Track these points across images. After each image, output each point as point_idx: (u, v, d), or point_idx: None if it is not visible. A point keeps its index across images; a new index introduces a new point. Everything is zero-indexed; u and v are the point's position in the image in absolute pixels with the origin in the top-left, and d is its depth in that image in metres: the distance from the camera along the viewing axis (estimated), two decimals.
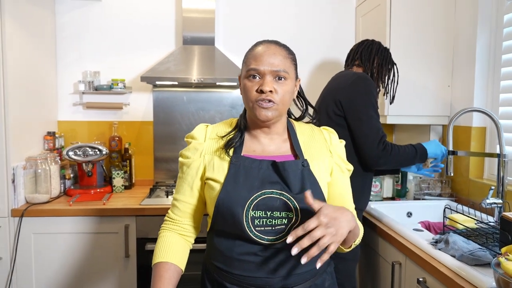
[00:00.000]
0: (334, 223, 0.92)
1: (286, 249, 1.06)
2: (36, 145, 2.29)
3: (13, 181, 2.03)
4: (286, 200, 1.05)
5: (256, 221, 1.04)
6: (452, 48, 2.21)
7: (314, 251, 0.89)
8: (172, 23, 2.62)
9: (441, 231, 1.67)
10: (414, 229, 1.67)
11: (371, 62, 1.88)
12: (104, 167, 2.47)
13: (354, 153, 1.71)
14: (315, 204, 0.93)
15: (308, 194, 0.94)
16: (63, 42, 2.56)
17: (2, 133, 1.97)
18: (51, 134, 2.38)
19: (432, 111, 2.25)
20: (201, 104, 2.64)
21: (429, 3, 2.19)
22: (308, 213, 1.06)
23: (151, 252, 2.03)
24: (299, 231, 0.90)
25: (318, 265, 0.91)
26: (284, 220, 1.05)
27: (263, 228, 1.04)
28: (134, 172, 2.60)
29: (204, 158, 1.12)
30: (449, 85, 2.23)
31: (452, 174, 1.79)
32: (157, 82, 2.39)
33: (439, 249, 1.40)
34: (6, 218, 2.00)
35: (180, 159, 1.16)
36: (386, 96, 1.97)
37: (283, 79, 1.06)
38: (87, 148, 2.31)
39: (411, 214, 2.11)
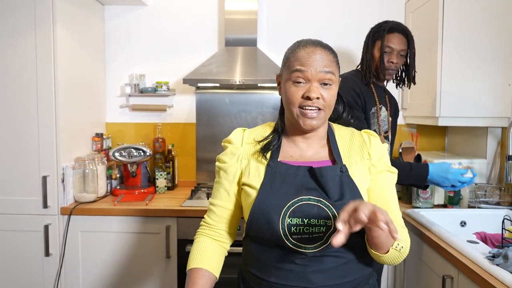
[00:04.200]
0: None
1: (325, 258, 1.00)
2: (85, 146, 2.38)
3: (63, 181, 2.11)
4: (324, 207, 1.00)
5: (293, 229, 0.99)
6: None
7: (393, 227, 0.80)
8: (215, 26, 2.63)
9: (499, 244, 1.52)
10: (468, 241, 1.54)
11: (362, 54, 1.81)
12: (148, 168, 2.52)
13: None
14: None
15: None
16: (111, 46, 2.64)
17: (53, 134, 2.06)
18: (99, 136, 2.47)
19: (490, 112, 2.07)
20: (243, 106, 2.62)
21: None
22: None
23: None
24: (344, 215, 0.83)
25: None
26: (322, 228, 1.00)
27: (300, 236, 1.00)
28: (177, 173, 2.63)
29: (241, 163, 1.10)
30: (509, 84, 2.05)
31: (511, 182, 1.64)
32: (199, 84, 2.40)
33: (497, 265, 1.28)
34: (56, 216, 2.09)
35: (217, 163, 1.14)
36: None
37: (329, 84, 1.01)
38: (132, 149, 2.37)
39: (465, 223, 1.96)
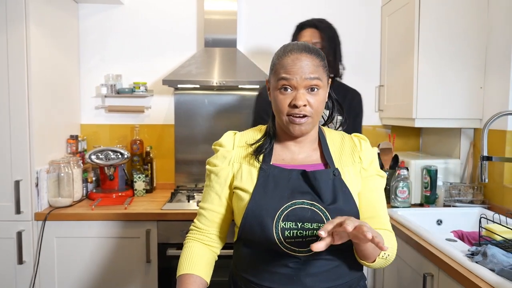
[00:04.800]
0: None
1: (318, 261, 1.01)
2: (59, 149, 2.30)
3: (37, 185, 2.03)
4: (318, 211, 1.00)
5: (287, 233, 1.00)
6: (485, 48, 2.11)
7: (377, 237, 0.81)
8: (193, 26, 2.60)
9: (476, 241, 1.58)
10: (446, 239, 1.59)
11: None
12: (125, 171, 2.47)
13: None
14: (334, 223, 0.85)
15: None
16: (86, 46, 2.57)
17: (26, 137, 1.98)
18: (74, 138, 2.39)
19: (463, 114, 2.15)
20: (223, 107, 2.60)
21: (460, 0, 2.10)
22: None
23: (173, 257, 2.03)
24: (329, 226, 0.84)
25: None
26: (315, 231, 1.01)
27: (293, 240, 1.00)
28: (155, 175, 2.58)
29: (233, 166, 1.09)
30: (481, 87, 2.13)
31: (486, 181, 1.70)
32: (179, 85, 2.37)
33: (476, 262, 1.32)
34: (30, 222, 2.01)
35: (208, 167, 1.13)
36: None
37: (316, 89, 1.02)
38: (109, 152, 2.31)
39: (441, 221, 2.02)
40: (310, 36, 1.76)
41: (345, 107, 1.78)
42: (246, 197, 1.04)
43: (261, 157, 1.07)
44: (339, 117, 1.20)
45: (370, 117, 2.67)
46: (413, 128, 2.60)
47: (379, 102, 2.63)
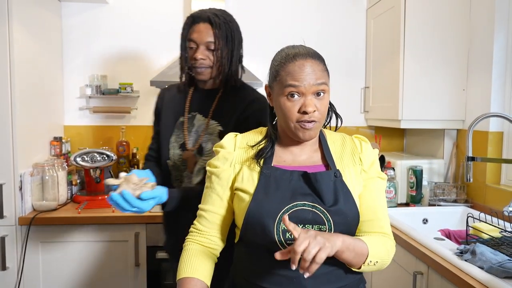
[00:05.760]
0: (322, 236, 0.88)
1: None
2: (43, 151, 2.24)
3: (20, 188, 1.98)
4: (319, 213, 1.01)
5: (288, 234, 1.00)
6: (467, 51, 2.18)
7: (307, 265, 0.85)
8: (181, 26, 2.56)
9: (463, 240, 1.62)
10: (435, 238, 1.63)
11: None
12: (112, 173, 2.42)
13: None
14: (294, 231, 0.88)
15: (286, 218, 0.89)
16: (69, 45, 2.51)
17: (9, 139, 1.92)
18: (58, 139, 2.33)
19: (446, 116, 2.21)
20: None
21: (444, 5, 2.15)
22: (341, 226, 1.02)
23: (162, 260, 2.02)
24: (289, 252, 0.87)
25: (306, 275, 0.86)
26: None
27: (294, 242, 1.00)
28: None
29: (234, 167, 1.09)
30: (464, 89, 2.20)
31: (471, 181, 1.76)
32: (167, 86, 2.34)
33: (466, 260, 1.36)
34: (13, 227, 1.95)
35: (209, 168, 1.12)
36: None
37: (322, 94, 1.02)
38: (95, 154, 2.26)
39: (427, 220, 2.07)
40: (202, 33, 1.41)
41: (229, 115, 1.44)
42: (247, 198, 1.04)
43: (261, 161, 1.08)
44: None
45: (355, 118, 2.71)
46: (397, 128, 2.66)
47: (364, 104, 2.68)
